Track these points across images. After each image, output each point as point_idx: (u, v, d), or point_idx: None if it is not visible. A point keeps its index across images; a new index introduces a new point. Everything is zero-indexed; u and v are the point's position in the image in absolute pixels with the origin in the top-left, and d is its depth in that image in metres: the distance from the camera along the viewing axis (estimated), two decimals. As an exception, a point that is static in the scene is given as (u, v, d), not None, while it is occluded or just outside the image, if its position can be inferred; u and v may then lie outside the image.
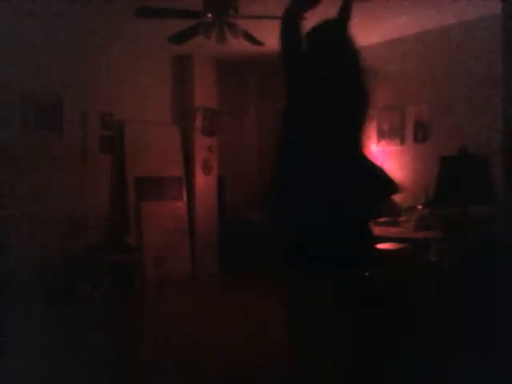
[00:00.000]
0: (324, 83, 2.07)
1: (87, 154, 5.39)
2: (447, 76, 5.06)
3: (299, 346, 2.41)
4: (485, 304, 2.74)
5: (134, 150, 5.67)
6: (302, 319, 2.34)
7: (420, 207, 3.95)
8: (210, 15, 3.89)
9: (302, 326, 2.37)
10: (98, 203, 5.44)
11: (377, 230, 3.95)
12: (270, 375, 3.11)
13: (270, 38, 5.08)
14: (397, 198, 5.38)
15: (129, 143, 5.66)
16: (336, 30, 2.35)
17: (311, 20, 2.43)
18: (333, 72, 2.14)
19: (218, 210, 6.33)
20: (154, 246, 5.50)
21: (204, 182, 6.19)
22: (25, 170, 4.76)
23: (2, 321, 3.75)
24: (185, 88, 6.25)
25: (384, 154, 5.67)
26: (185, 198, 6.00)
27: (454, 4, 4.45)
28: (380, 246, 3.86)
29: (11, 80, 4.70)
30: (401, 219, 4.13)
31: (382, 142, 5.69)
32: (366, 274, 3.65)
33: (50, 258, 4.93)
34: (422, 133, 5.32)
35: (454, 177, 3.69)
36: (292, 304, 2.36)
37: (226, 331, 3.89)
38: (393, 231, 3.81)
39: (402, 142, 5.51)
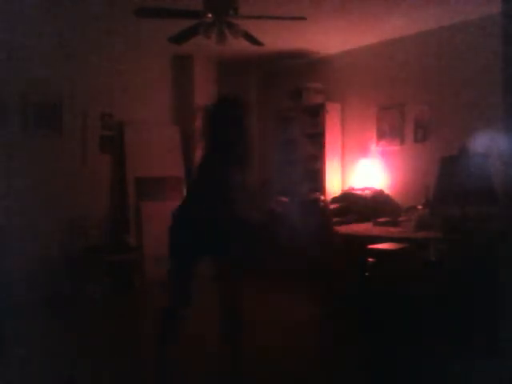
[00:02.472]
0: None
1: (87, 154, 5.39)
2: (447, 76, 5.06)
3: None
4: (485, 304, 2.74)
5: (133, 150, 5.67)
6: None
7: (420, 207, 3.93)
8: (210, 15, 3.89)
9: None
10: (97, 203, 5.44)
11: (377, 230, 3.96)
12: (270, 375, 3.12)
13: (270, 38, 5.10)
14: (397, 198, 5.40)
15: (129, 143, 5.67)
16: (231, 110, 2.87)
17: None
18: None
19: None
20: (153, 245, 5.49)
21: (204, 182, 6.19)
22: (25, 169, 4.76)
23: (1, 321, 3.75)
24: (185, 88, 6.26)
25: (384, 153, 5.68)
26: (185, 198, 6.00)
27: (454, 4, 4.45)
28: (380, 246, 3.85)
29: (11, 80, 4.71)
30: (401, 219, 4.13)
31: (382, 142, 5.69)
32: (366, 273, 3.65)
33: (50, 257, 4.93)
34: (421, 133, 5.32)
35: (454, 177, 3.68)
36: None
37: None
38: (393, 231, 3.80)
39: (402, 142, 5.51)
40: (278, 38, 5.42)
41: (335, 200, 5.64)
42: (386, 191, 5.53)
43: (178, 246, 2.85)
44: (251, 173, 3.06)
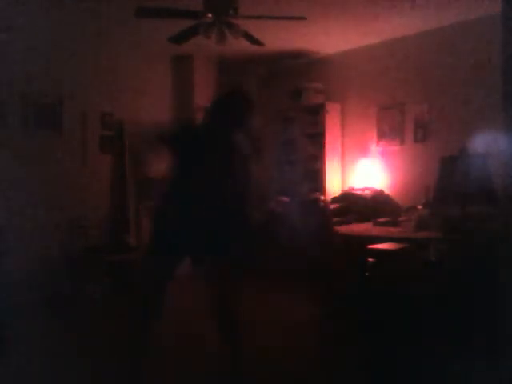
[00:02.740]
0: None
1: (87, 153, 5.39)
2: (447, 76, 5.06)
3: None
4: (485, 304, 2.73)
5: (134, 150, 5.67)
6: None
7: (420, 207, 3.94)
8: (210, 15, 3.89)
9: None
10: (98, 203, 5.44)
11: (377, 230, 3.96)
12: (270, 375, 3.12)
13: (270, 38, 5.10)
14: (397, 198, 5.40)
15: (129, 143, 5.67)
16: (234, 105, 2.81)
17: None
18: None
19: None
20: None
21: (204, 182, 6.18)
22: (25, 170, 4.76)
23: (1, 321, 3.75)
24: (185, 88, 6.25)
25: (384, 153, 5.68)
26: (185, 198, 6.00)
27: (454, 4, 4.45)
28: (380, 246, 3.85)
29: (11, 80, 4.71)
30: (401, 219, 4.13)
31: (382, 142, 5.69)
32: (366, 273, 3.65)
33: (50, 257, 4.93)
34: (421, 133, 5.32)
35: (454, 177, 3.68)
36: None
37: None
38: (393, 231, 3.80)
39: (402, 142, 5.51)
40: (278, 38, 5.42)
41: (335, 200, 5.64)
42: (386, 191, 5.53)
43: (172, 246, 2.73)
44: (259, 172, 3.02)
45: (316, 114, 6.05)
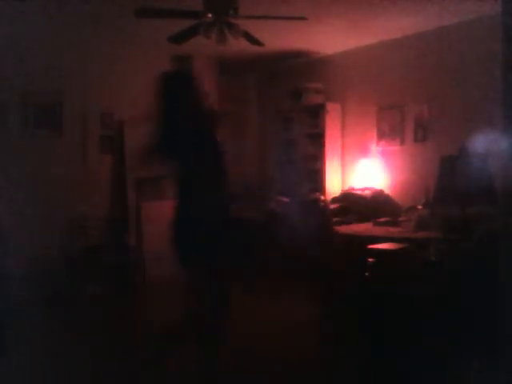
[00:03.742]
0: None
1: (87, 153, 5.39)
2: (447, 76, 5.06)
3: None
4: (485, 304, 2.73)
5: (133, 149, 5.67)
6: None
7: (420, 207, 3.94)
8: (210, 15, 3.89)
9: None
10: (97, 203, 5.44)
11: (377, 230, 3.96)
12: (270, 375, 3.12)
13: (270, 38, 5.10)
14: (397, 198, 5.40)
15: (129, 143, 5.66)
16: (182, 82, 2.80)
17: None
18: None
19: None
20: (153, 245, 5.50)
21: (204, 182, 6.18)
22: (24, 170, 4.76)
23: (1, 321, 3.75)
24: (185, 88, 6.25)
25: (384, 153, 5.68)
26: (185, 198, 5.99)
27: (454, 4, 4.45)
28: (380, 246, 3.85)
29: (11, 80, 4.71)
30: (401, 219, 4.13)
31: (382, 142, 5.69)
32: (366, 273, 3.65)
33: (50, 257, 4.93)
34: (421, 133, 5.32)
35: (454, 177, 3.69)
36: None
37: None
38: (393, 231, 3.81)
39: (402, 142, 5.51)
40: (278, 38, 5.42)
41: (335, 200, 5.64)
42: (386, 191, 5.53)
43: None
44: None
45: (316, 114, 6.05)
